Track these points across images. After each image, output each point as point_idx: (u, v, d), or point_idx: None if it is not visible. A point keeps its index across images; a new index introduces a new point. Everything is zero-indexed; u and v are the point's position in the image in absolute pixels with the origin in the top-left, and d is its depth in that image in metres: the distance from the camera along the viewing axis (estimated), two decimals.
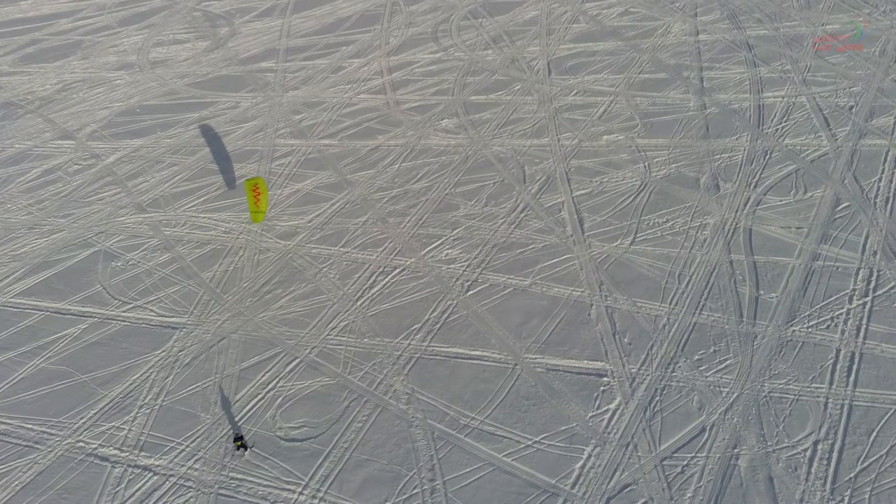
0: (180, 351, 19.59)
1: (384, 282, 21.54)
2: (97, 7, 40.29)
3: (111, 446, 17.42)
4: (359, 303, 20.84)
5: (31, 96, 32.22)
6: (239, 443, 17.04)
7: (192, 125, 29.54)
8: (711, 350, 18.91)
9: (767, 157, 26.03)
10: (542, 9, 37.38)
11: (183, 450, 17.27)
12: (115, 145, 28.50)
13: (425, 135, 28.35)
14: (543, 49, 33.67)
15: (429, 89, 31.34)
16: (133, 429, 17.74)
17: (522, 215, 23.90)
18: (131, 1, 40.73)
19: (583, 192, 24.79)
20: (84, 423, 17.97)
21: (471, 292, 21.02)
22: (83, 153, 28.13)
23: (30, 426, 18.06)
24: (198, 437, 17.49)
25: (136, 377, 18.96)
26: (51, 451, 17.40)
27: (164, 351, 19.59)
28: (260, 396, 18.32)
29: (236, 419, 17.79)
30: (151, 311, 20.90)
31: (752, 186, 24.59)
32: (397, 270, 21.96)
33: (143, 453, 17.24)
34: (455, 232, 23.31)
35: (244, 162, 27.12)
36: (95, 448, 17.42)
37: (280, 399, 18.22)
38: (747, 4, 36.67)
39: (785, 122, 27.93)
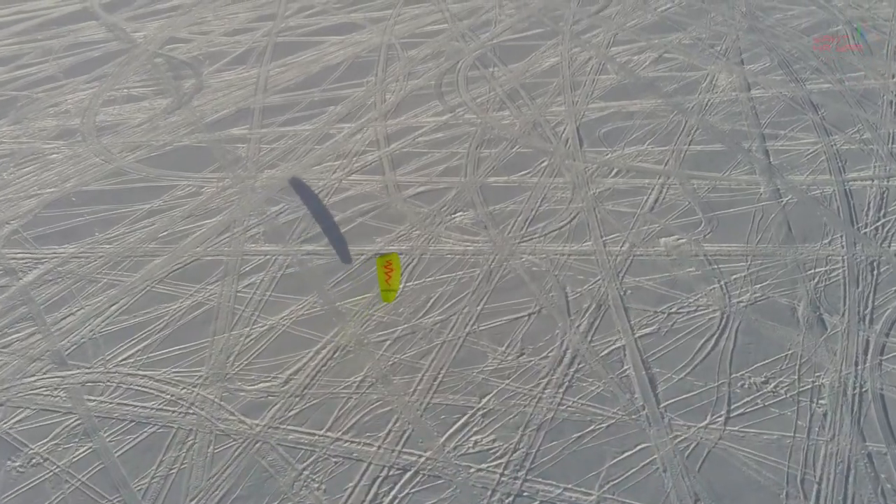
0: None
1: (390, 497, 14.39)
2: (42, 52, 32.30)
3: None
4: None
5: None
6: None
7: (140, 223, 21.99)
8: None
9: (875, 272, 19.12)
10: (563, 54, 29.99)
11: None
12: (39, 255, 20.90)
13: (435, 235, 21.09)
14: (570, 110, 26.39)
15: (436, 167, 23.97)
16: None
17: (572, 370, 16.81)
18: (82, 44, 32.74)
19: (647, 331, 17.70)
20: None
21: None
22: None
23: None
24: None
25: None
26: None
27: None
28: None
29: None
30: None
31: (866, 321, 17.68)
32: (408, 475, 14.80)
33: None
34: (484, 401, 16.18)
35: (202, 282, 19.67)
36: None
37: None
38: (799, 49, 29.52)
39: (883, 216, 20.99)
